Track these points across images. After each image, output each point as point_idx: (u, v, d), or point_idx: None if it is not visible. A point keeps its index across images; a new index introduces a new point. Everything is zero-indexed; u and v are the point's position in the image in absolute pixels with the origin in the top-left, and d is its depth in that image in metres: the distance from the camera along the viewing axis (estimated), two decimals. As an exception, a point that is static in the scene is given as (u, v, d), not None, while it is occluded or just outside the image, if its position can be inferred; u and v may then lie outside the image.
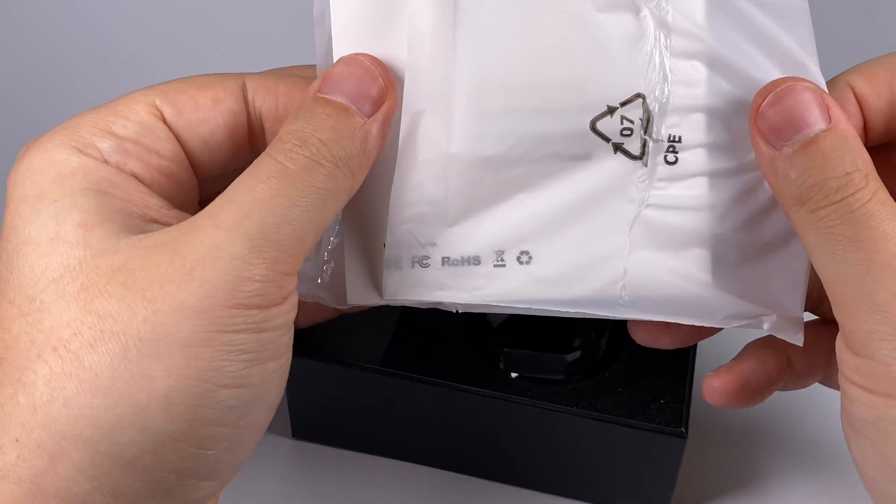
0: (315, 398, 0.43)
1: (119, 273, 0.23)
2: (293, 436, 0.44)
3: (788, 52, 0.26)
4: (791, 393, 0.35)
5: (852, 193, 0.24)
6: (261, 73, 0.29)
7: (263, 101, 0.28)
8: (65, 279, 0.23)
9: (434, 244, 0.28)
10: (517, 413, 0.39)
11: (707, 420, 0.44)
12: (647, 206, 0.27)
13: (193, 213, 0.28)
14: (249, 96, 0.28)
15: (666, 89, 0.27)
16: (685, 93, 0.27)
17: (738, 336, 0.46)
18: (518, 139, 0.27)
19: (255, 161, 0.25)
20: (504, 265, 0.28)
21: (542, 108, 0.27)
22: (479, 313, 0.30)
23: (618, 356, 0.41)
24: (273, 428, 0.45)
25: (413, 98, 0.27)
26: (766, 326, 0.28)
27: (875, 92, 0.27)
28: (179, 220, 0.24)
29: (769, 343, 0.32)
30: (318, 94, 0.26)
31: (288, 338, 0.25)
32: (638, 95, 0.27)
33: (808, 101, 0.25)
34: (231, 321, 0.23)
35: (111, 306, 0.22)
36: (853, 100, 0.27)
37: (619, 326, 0.41)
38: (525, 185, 0.28)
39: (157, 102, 0.27)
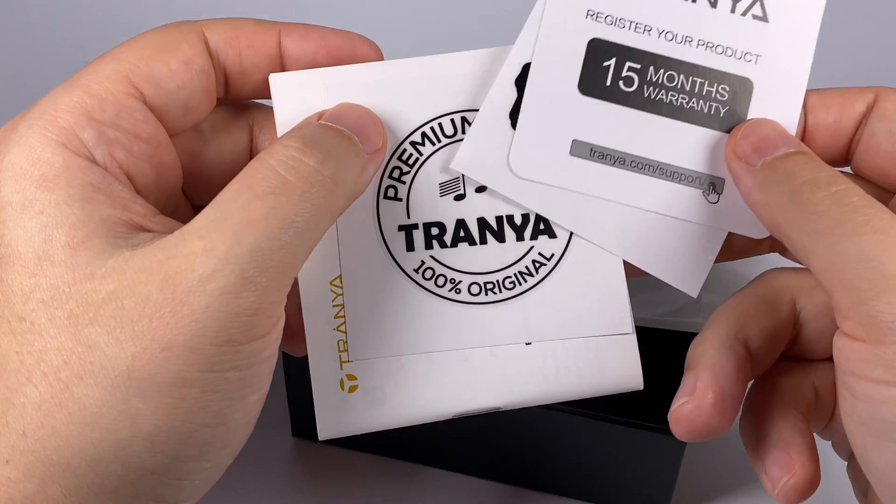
0: (315, 398, 0.43)
1: (109, 302, 0.22)
2: (293, 435, 0.45)
3: None
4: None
5: (845, 187, 0.24)
6: (217, 23, 0.28)
7: (226, 54, 0.28)
8: (55, 302, 0.23)
9: None
10: (517, 413, 0.39)
11: (707, 420, 0.44)
12: None
13: (176, 190, 0.28)
14: (212, 49, 0.27)
15: None
16: None
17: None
18: None
19: (251, 167, 0.24)
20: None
21: None
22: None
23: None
24: (273, 427, 0.45)
25: None
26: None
27: (825, 104, 0.28)
28: (165, 227, 0.24)
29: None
30: (321, 122, 0.26)
31: (271, 368, 0.25)
32: None
33: (779, 128, 0.27)
34: (220, 359, 0.22)
35: (101, 338, 0.22)
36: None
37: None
38: None
39: (133, 78, 0.26)
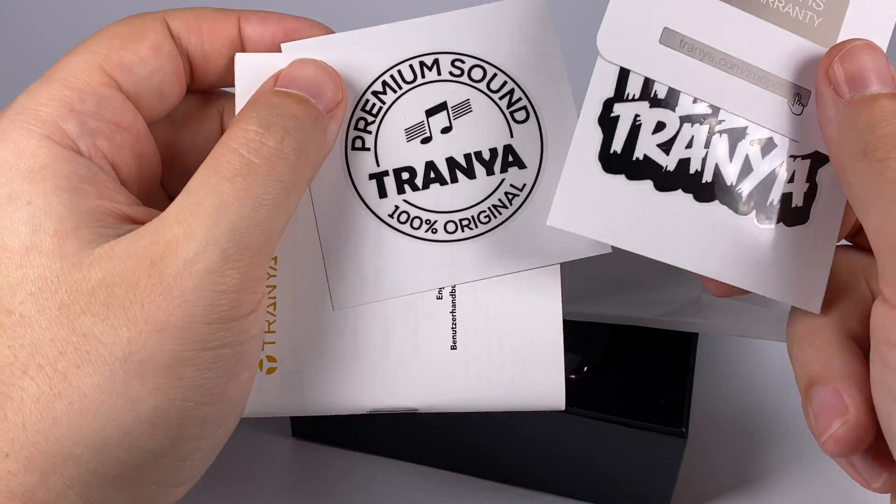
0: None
1: (99, 290, 0.23)
2: (293, 435, 0.45)
3: None
4: (790, 392, 0.35)
5: None
6: (178, 11, 0.28)
7: (189, 40, 0.28)
8: (44, 293, 0.23)
9: None
10: (517, 413, 0.39)
11: (707, 420, 0.44)
12: None
13: (156, 182, 0.29)
14: (175, 35, 0.28)
15: None
16: None
17: (737, 341, 0.46)
18: None
19: (216, 152, 0.25)
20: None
21: None
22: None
23: (618, 356, 0.41)
24: (273, 428, 0.45)
25: None
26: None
27: None
28: (149, 217, 0.24)
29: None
30: (276, 89, 0.26)
31: (259, 346, 0.25)
32: None
33: (880, 61, 0.26)
34: (212, 337, 0.23)
35: (95, 326, 0.23)
36: None
37: (620, 327, 0.41)
38: None
39: (106, 67, 0.26)
